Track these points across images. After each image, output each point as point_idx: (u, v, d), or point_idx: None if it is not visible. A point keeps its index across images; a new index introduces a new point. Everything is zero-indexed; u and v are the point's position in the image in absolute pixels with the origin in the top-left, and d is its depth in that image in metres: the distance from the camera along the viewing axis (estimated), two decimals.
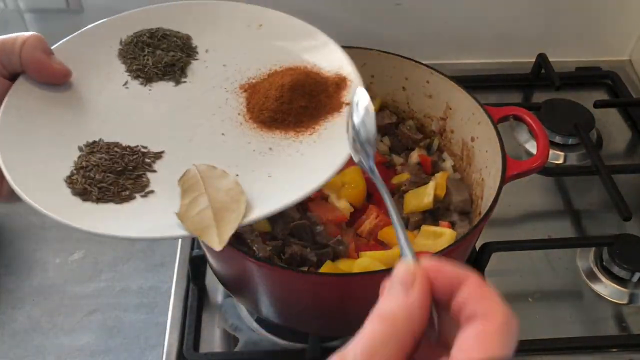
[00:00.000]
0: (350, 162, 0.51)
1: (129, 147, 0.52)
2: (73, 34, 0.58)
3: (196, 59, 0.60)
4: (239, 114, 0.56)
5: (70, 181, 0.49)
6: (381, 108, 0.85)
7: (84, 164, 0.50)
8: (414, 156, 0.81)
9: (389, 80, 0.82)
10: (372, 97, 0.84)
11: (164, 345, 0.74)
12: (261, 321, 0.75)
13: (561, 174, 0.95)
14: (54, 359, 0.74)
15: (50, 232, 0.87)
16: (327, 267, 0.65)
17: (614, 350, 0.74)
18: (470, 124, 0.75)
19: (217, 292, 0.80)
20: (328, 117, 0.56)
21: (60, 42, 0.57)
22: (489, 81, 1.08)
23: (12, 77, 0.52)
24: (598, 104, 1.01)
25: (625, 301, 0.79)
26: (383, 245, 0.72)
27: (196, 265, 0.80)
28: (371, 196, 0.76)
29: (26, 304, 0.79)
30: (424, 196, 0.75)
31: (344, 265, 0.67)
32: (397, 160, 0.82)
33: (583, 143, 0.94)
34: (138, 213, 0.48)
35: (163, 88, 0.57)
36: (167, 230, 0.46)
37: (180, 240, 0.84)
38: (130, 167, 0.51)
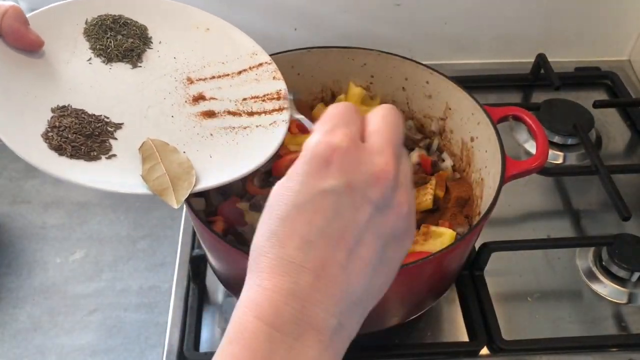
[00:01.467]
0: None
1: (94, 115, 0.59)
2: (43, 8, 0.63)
3: (151, 48, 0.67)
4: (185, 101, 0.65)
5: (46, 137, 0.56)
6: None
7: (57, 124, 0.57)
8: (414, 156, 0.81)
9: (389, 81, 0.82)
10: (372, 97, 0.85)
11: (164, 345, 0.74)
12: None
13: (560, 174, 0.95)
14: (55, 358, 0.74)
15: (51, 232, 0.87)
16: None
17: (614, 349, 0.75)
18: (470, 124, 0.75)
19: (217, 291, 0.80)
20: (260, 118, 0.66)
21: (32, 12, 0.62)
22: (488, 81, 1.08)
23: None
24: (597, 104, 1.01)
25: (624, 301, 0.80)
26: None
27: (196, 265, 0.80)
28: None
29: (27, 304, 0.79)
30: (424, 196, 0.75)
31: None
32: None
33: (582, 143, 0.94)
34: (105, 171, 0.56)
35: (122, 69, 0.65)
36: (132, 187, 0.55)
37: (180, 240, 0.84)
38: (96, 133, 0.58)
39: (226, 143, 0.62)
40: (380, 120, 0.41)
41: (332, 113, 0.41)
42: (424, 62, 0.78)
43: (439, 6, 1.06)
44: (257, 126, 0.65)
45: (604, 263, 0.82)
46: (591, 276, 0.82)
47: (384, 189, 0.39)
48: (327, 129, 0.39)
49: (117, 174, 0.56)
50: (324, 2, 1.04)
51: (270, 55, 0.72)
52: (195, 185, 0.56)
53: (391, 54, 0.79)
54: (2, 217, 0.89)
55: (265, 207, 0.40)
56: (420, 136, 0.83)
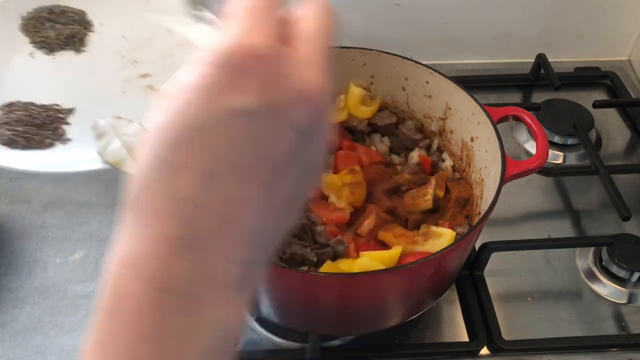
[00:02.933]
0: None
1: (43, 105, 0.60)
2: None
3: (92, 31, 0.68)
4: (136, 76, 0.65)
5: None
6: (381, 108, 0.85)
7: (6, 120, 0.58)
8: (414, 156, 0.81)
9: (389, 81, 0.82)
10: (372, 97, 0.85)
11: None
12: (261, 321, 0.75)
13: (560, 174, 0.95)
14: (55, 358, 0.74)
15: (51, 231, 0.87)
16: (327, 267, 0.66)
17: (614, 350, 0.75)
18: (470, 124, 0.75)
19: None
20: None
21: None
22: (488, 81, 1.08)
23: None
24: (597, 104, 1.01)
25: (624, 301, 0.80)
26: (383, 245, 0.72)
27: None
28: (371, 195, 0.76)
29: (27, 304, 0.79)
30: (424, 196, 0.75)
31: (344, 265, 0.67)
32: (397, 160, 0.82)
33: (582, 143, 0.94)
34: (61, 155, 0.57)
35: (66, 57, 0.66)
36: (89, 164, 0.56)
37: None
38: (48, 121, 0.59)
39: None
40: (316, 22, 0.33)
41: (251, 5, 0.29)
42: (424, 62, 0.78)
43: (439, 6, 1.06)
44: None
45: (604, 263, 0.82)
46: (591, 276, 0.82)
47: (313, 111, 0.31)
48: (243, 27, 0.29)
49: (73, 156, 0.57)
50: None
51: None
52: None
53: (391, 54, 0.79)
54: (2, 217, 0.89)
55: (153, 119, 0.29)
56: (420, 136, 0.83)
